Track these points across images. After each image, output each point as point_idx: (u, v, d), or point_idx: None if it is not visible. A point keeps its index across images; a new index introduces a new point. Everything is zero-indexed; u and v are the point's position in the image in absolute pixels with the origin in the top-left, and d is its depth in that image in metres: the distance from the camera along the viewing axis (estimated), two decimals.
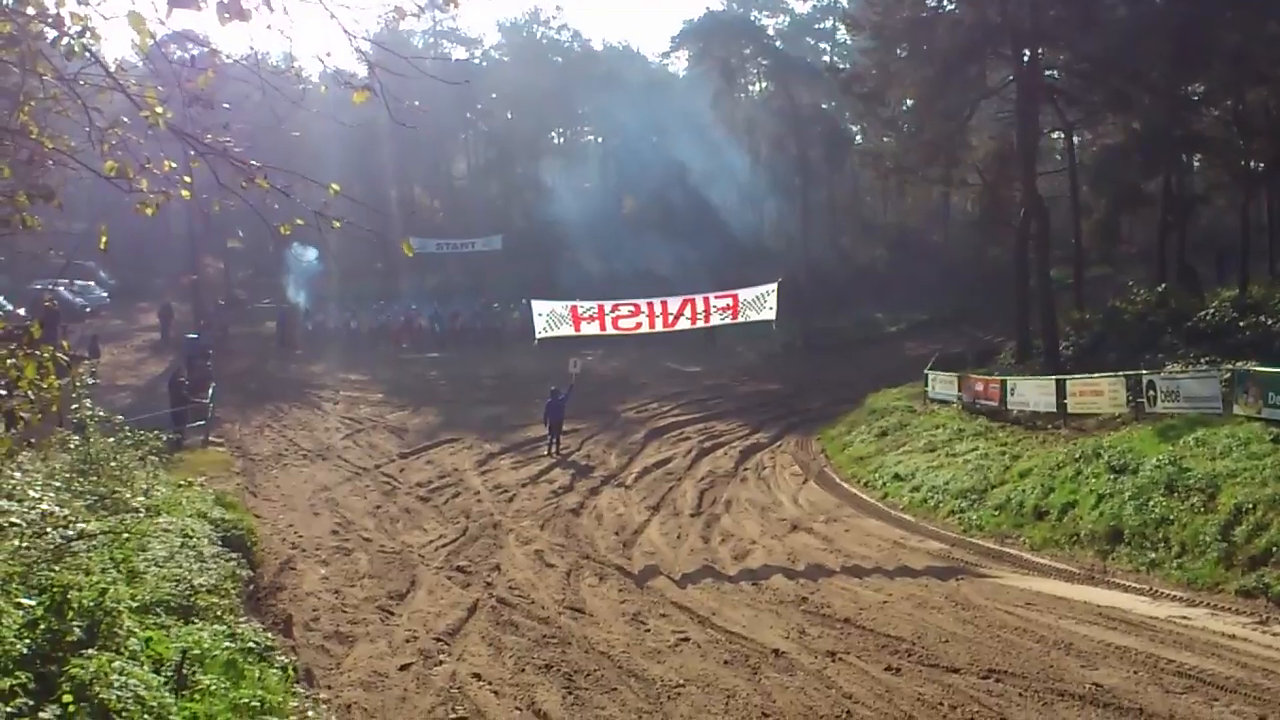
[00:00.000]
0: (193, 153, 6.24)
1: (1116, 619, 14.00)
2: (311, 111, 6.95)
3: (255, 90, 6.75)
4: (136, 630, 8.06)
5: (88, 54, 6.08)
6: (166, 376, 32.75)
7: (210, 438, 28.80)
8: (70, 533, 9.84)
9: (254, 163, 6.26)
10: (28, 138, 6.16)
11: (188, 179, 6.49)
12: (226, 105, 6.48)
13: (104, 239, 7.06)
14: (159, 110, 6.09)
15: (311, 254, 50.42)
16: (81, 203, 36.39)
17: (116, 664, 6.85)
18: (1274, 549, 14.80)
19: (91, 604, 7.45)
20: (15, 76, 5.98)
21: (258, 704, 7.67)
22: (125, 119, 6.22)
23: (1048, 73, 35.97)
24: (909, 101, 41.14)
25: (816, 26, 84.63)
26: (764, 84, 73.78)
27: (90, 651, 6.92)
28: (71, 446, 15.31)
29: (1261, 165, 35.45)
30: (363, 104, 6.31)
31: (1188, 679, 11.46)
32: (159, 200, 6.36)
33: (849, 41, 68.79)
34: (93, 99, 6.09)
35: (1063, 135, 42.28)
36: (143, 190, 6.25)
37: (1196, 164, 44.87)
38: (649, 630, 14.60)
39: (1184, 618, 13.92)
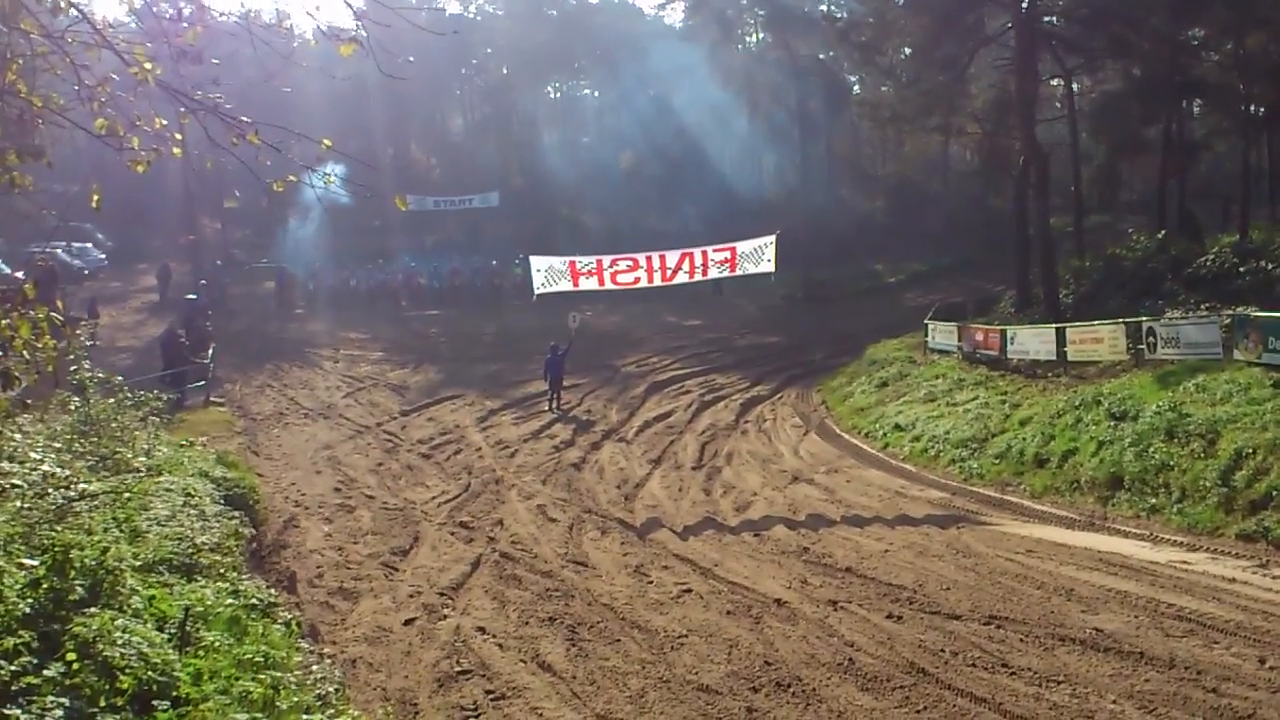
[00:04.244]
0: (183, 109, 6.20)
1: (1117, 564, 14.06)
2: (304, 67, 6.90)
3: (246, 46, 6.69)
4: (139, 588, 8.08)
5: (75, 10, 6.03)
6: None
7: (211, 397, 28.86)
8: (72, 493, 9.85)
9: (245, 119, 6.22)
10: (16, 96, 6.11)
11: (178, 136, 6.45)
12: (216, 61, 6.41)
13: (96, 198, 7.03)
14: (148, 66, 6.04)
15: (314, 212, 50.20)
16: (75, 163, 36.16)
17: (120, 622, 6.87)
18: (1274, 493, 14.84)
19: (94, 563, 7.46)
20: (2, 34, 5.90)
21: (261, 659, 7.70)
22: (115, 76, 6.18)
23: (1046, 19, 35.66)
24: (907, 50, 40.85)
25: None
26: (761, 35, 73.09)
27: (93, 610, 6.93)
28: (72, 408, 15.30)
29: (1262, 110, 35.23)
30: (356, 60, 6.25)
31: (1188, 622, 11.53)
32: (150, 158, 6.32)
33: None
34: (81, 56, 6.04)
35: (1062, 82, 41.95)
36: (134, 148, 6.21)
37: (1197, 109, 44.60)
38: (651, 582, 14.67)
39: (1184, 562, 13.98)
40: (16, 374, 6.11)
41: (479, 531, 17.55)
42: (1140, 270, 31.28)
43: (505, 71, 78.75)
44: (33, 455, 10.58)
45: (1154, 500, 16.58)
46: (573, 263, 23.32)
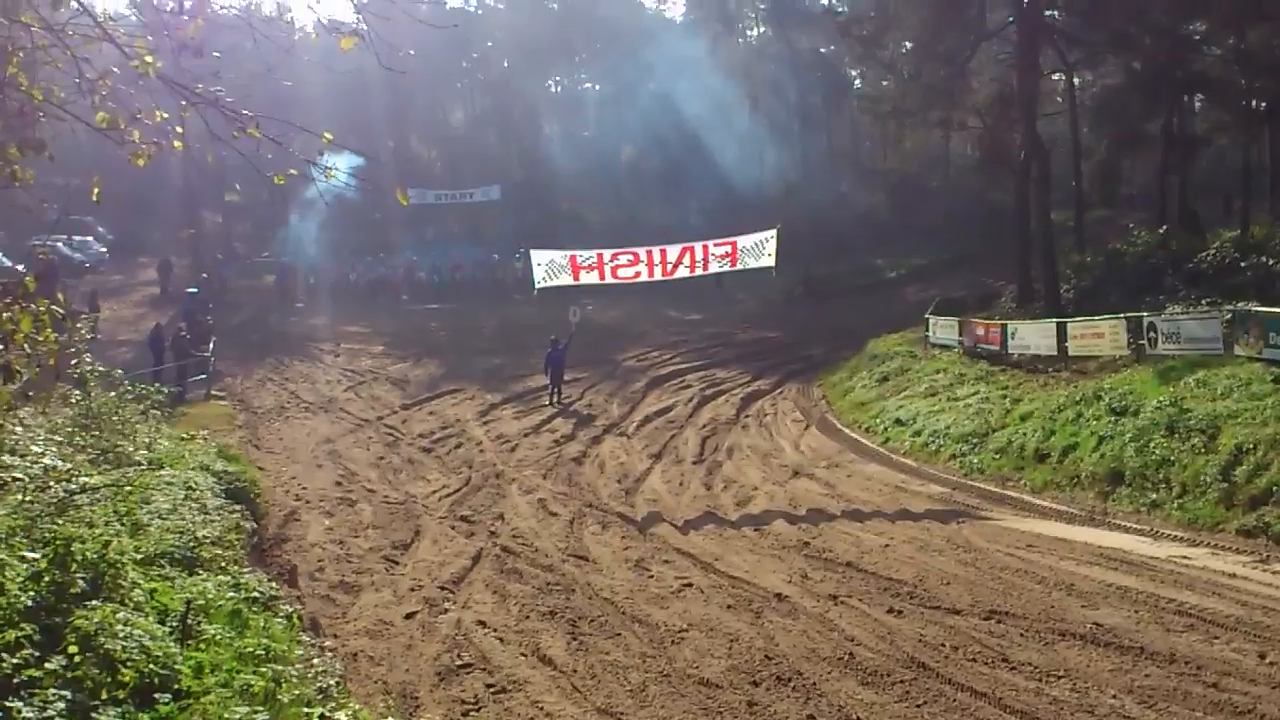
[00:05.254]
0: (184, 103, 6.19)
1: (1117, 559, 14.08)
2: (304, 60, 6.87)
3: (247, 40, 6.68)
4: (141, 581, 8.08)
5: (76, 3, 6.02)
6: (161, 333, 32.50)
7: (212, 391, 28.85)
8: (73, 486, 9.84)
9: (246, 112, 6.21)
10: (17, 89, 6.10)
11: (179, 129, 6.44)
12: (217, 54, 6.40)
13: (96, 192, 7.01)
14: (149, 60, 6.03)
15: (315, 206, 50.12)
16: (76, 157, 36.24)
17: (121, 615, 6.86)
18: (1274, 488, 14.86)
19: (95, 556, 7.45)
20: (3, 27, 5.89)
21: (263, 652, 7.70)
22: (115, 69, 6.16)
23: (1048, 13, 35.53)
24: (908, 44, 40.80)
25: None
26: (762, 28, 73.00)
27: (95, 603, 6.93)
28: (73, 401, 15.28)
29: (1263, 105, 35.17)
30: (356, 53, 6.24)
31: (1188, 618, 11.55)
32: (151, 151, 6.31)
33: None
34: (82, 49, 6.02)
35: (1063, 77, 41.90)
36: (135, 141, 6.20)
37: (1198, 104, 44.54)
38: (652, 576, 14.69)
39: (1185, 557, 14.00)
40: (18, 367, 6.10)
41: (480, 525, 17.57)
42: (1141, 265, 31.24)
43: (506, 65, 78.47)
44: (34, 448, 10.56)
45: (1154, 495, 16.60)
46: (573, 257, 23.32)
